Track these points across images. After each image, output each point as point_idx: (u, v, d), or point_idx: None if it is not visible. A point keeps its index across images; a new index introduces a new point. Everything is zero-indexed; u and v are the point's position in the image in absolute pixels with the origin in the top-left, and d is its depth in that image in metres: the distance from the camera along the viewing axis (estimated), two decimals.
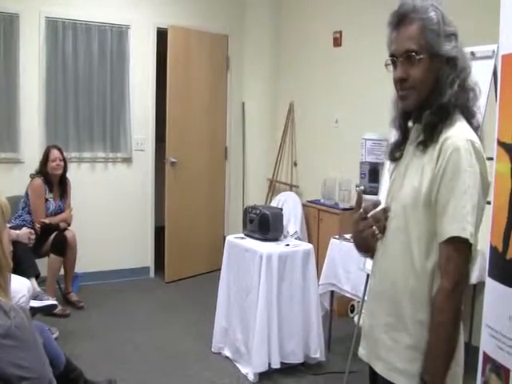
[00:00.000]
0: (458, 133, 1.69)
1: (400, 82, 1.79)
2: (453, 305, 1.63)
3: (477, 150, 1.67)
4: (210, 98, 6.82)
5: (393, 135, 1.99)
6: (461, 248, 1.63)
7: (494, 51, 3.07)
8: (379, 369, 1.85)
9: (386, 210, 1.87)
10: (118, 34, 6.23)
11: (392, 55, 1.81)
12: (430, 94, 1.76)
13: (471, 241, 1.63)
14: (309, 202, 6.11)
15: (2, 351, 1.98)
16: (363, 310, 3.53)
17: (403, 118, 1.90)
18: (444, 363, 1.66)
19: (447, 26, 1.74)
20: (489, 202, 2.53)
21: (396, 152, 1.94)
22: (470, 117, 1.78)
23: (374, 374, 1.89)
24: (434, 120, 1.74)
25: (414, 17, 1.74)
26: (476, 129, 1.78)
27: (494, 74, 3.03)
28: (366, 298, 3.65)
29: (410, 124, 1.90)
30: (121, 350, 4.53)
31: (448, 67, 1.74)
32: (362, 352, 1.96)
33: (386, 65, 1.84)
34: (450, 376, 1.71)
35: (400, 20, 1.76)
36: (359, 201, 1.96)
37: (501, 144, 2.52)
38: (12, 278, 2.55)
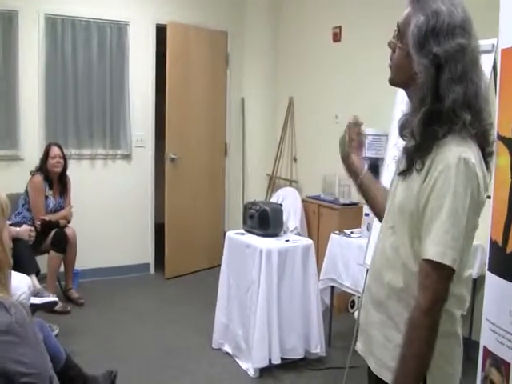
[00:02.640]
0: (453, 148, 1.59)
1: (390, 48, 1.77)
2: (428, 323, 1.58)
3: (469, 168, 1.56)
4: (210, 94, 6.82)
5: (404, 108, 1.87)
6: (440, 270, 1.57)
7: (493, 45, 3.07)
8: (371, 365, 1.85)
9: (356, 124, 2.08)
10: (118, 31, 6.22)
11: None
12: (411, 87, 1.69)
13: (453, 267, 1.56)
14: (309, 197, 6.11)
15: (3, 347, 1.99)
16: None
17: None
18: (414, 379, 1.62)
19: (434, 42, 1.60)
20: (489, 197, 2.54)
21: (406, 128, 1.82)
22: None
23: (370, 369, 1.89)
24: (411, 151, 1.68)
25: (414, 5, 1.66)
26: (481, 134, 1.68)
27: (494, 68, 3.03)
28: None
29: None
30: (121, 347, 4.53)
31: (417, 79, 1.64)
32: (359, 346, 1.95)
33: None
34: (439, 377, 1.69)
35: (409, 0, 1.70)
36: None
37: (500, 138, 2.52)
38: (12, 275, 2.55)
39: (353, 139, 2.07)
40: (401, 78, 1.75)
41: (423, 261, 1.60)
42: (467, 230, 1.59)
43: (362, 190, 2.08)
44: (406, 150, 1.71)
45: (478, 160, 1.62)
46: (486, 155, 1.71)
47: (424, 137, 1.63)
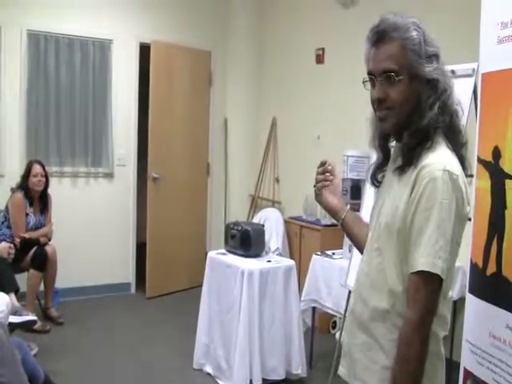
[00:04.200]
0: (437, 161, 1.63)
1: (378, 102, 1.74)
2: (420, 337, 1.59)
3: (454, 180, 1.60)
4: (193, 113, 6.83)
5: (374, 157, 1.95)
6: (430, 281, 1.59)
7: (474, 69, 3.11)
8: None
9: (322, 164, 2.05)
10: (101, 48, 6.23)
11: (370, 73, 1.76)
12: (410, 116, 1.71)
13: (442, 276, 1.59)
14: (291, 218, 6.12)
15: None
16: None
17: (383, 138, 1.86)
18: None
19: (428, 46, 1.69)
20: (469, 219, 2.56)
21: (378, 174, 1.91)
22: (453, 137, 1.73)
23: None
24: (413, 143, 1.69)
25: (395, 36, 1.68)
26: (461, 147, 1.74)
27: (474, 92, 3.07)
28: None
29: (392, 143, 1.86)
30: (101, 367, 4.48)
31: (428, 89, 1.69)
32: (342, 370, 1.93)
33: (364, 82, 1.79)
34: None
35: (379, 37, 1.70)
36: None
37: (480, 161, 2.55)
38: None
39: (320, 180, 2.06)
40: (406, 111, 1.72)
41: (412, 274, 1.62)
42: (453, 242, 1.62)
43: (345, 229, 2.08)
44: (406, 145, 1.72)
45: (461, 172, 1.66)
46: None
47: (431, 132, 1.69)
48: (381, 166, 1.90)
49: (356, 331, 1.84)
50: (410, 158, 1.69)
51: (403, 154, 1.72)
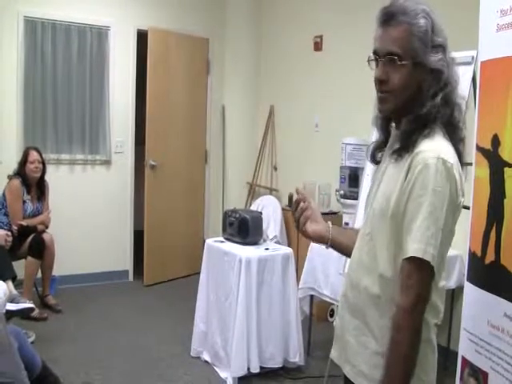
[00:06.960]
0: (432, 148, 1.62)
1: (379, 83, 1.72)
2: (412, 323, 1.59)
3: (448, 168, 1.60)
4: (190, 100, 6.81)
5: (374, 135, 1.93)
6: (422, 267, 1.58)
7: (473, 57, 3.10)
8: (347, 371, 1.84)
9: (290, 198, 2.09)
10: (98, 35, 6.19)
11: (375, 52, 1.73)
12: (410, 103, 1.69)
13: (432, 263, 1.58)
14: (288, 205, 6.10)
15: None
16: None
17: (385, 119, 1.84)
18: (401, 382, 1.61)
19: (436, 36, 1.67)
20: (468, 207, 2.56)
21: (377, 153, 1.90)
22: (452, 131, 1.71)
23: (346, 377, 1.88)
24: (411, 128, 1.68)
25: (403, 19, 1.66)
26: (459, 142, 1.73)
27: (473, 79, 3.06)
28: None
29: (392, 125, 1.84)
30: (99, 354, 4.48)
31: (431, 79, 1.67)
32: (333, 354, 1.94)
33: (369, 60, 1.76)
34: None
35: (388, 19, 1.68)
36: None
37: (479, 149, 2.54)
38: None
39: (299, 217, 2.02)
40: (405, 96, 1.71)
41: (405, 260, 1.61)
42: (445, 230, 1.61)
43: (335, 248, 2.03)
44: (404, 131, 1.71)
45: (456, 161, 1.65)
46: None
47: (430, 120, 1.67)
48: (380, 146, 1.89)
49: (348, 316, 1.84)
50: (407, 144, 1.68)
51: (400, 140, 1.71)
